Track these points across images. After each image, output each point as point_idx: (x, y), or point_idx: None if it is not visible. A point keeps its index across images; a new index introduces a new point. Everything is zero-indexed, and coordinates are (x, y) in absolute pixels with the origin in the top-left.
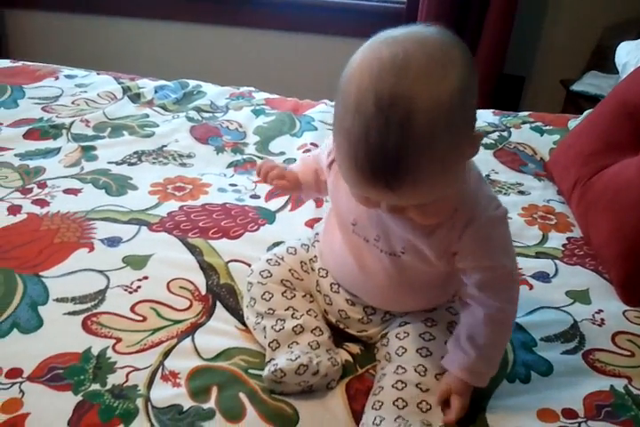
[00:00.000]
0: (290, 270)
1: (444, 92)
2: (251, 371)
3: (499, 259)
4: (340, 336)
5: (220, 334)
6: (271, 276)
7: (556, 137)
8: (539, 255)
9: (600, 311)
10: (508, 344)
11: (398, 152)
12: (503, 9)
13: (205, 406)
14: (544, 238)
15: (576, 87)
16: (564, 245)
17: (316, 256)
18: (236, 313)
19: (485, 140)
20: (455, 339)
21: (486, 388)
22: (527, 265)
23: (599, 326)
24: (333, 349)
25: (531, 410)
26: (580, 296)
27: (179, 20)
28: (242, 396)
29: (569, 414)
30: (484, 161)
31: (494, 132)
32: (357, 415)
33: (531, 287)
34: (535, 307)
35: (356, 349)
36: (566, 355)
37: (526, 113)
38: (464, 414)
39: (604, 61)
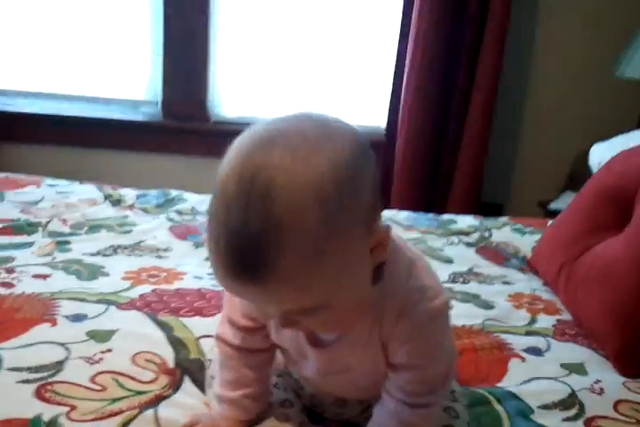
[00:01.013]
0: None
1: (311, 170)
2: None
3: (432, 357)
4: (314, 422)
5: (185, 407)
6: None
7: (537, 236)
8: (529, 333)
9: (598, 382)
10: (502, 412)
11: (256, 238)
12: (476, 143)
13: None
14: (533, 320)
15: (554, 205)
16: (553, 326)
17: None
18: (206, 388)
19: (467, 240)
20: None
21: None
22: (518, 342)
23: (599, 394)
24: (305, 421)
25: None
26: (576, 368)
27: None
28: None
29: None
30: (466, 258)
31: (475, 232)
32: None
33: (523, 360)
34: (529, 377)
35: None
36: (567, 422)
37: (506, 218)
38: None
39: (579, 184)
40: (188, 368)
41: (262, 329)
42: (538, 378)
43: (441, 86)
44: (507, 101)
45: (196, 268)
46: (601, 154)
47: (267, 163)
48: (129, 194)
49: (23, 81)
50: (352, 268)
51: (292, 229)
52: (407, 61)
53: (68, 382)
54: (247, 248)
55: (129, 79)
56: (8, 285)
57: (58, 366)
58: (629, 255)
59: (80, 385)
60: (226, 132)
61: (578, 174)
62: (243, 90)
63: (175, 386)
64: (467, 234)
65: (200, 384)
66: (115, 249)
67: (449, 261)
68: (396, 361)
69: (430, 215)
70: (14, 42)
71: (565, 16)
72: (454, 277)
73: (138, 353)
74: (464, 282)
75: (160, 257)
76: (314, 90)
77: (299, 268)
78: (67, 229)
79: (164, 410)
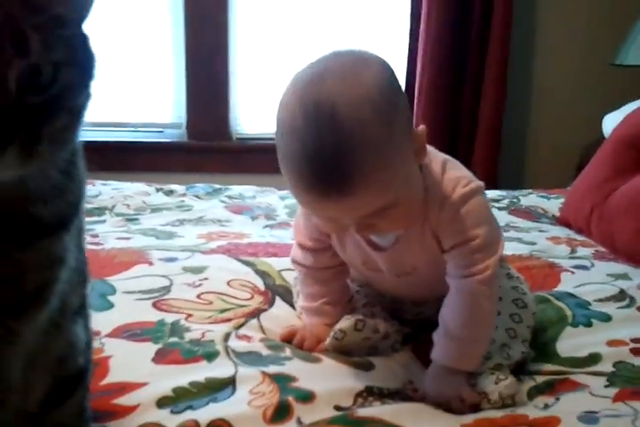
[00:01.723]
0: None
1: (361, 89)
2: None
3: (472, 231)
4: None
5: (281, 319)
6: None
7: (562, 200)
8: (573, 258)
9: None
10: (564, 306)
11: (336, 153)
12: (488, 150)
13: (282, 354)
14: (573, 251)
15: None
16: (592, 254)
17: None
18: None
19: (498, 205)
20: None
21: (551, 333)
22: (565, 263)
23: None
24: (389, 318)
25: (600, 342)
26: (621, 276)
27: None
28: (315, 354)
29: (637, 340)
30: (500, 218)
31: (504, 199)
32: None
33: (573, 273)
34: (581, 283)
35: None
36: (621, 309)
37: (529, 189)
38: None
39: None
40: (277, 291)
41: (328, 249)
42: (589, 283)
43: (452, 80)
44: (516, 93)
45: (259, 230)
46: (614, 120)
47: (323, 92)
48: (178, 188)
49: None
50: (410, 167)
51: (363, 138)
52: (419, 59)
53: (178, 299)
54: (329, 165)
55: (153, 103)
56: (97, 244)
57: (165, 289)
58: None
59: (190, 300)
60: (248, 149)
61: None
62: (263, 106)
63: (269, 303)
64: (497, 201)
65: (290, 303)
66: (181, 222)
67: None
68: (448, 246)
69: None
70: None
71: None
72: None
73: (231, 280)
74: (504, 231)
75: (223, 226)
76: None
77: (375, 172)
78: (132, 211)
79: (265, 321)
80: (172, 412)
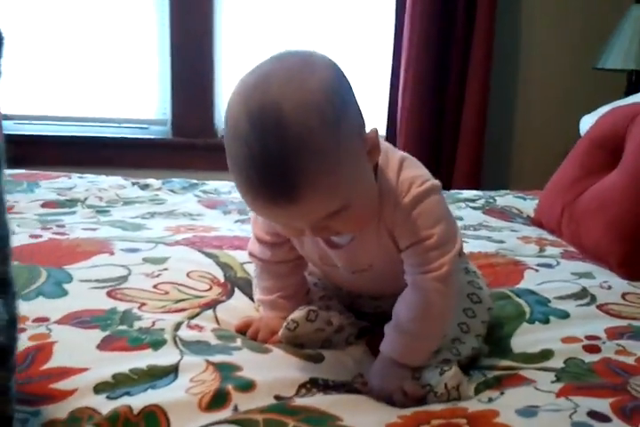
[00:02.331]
0: None
1: (307, 93)
2: None
3: (426, 231)
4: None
5: (238, 311)
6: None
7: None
8: (540, 257)
9: (606, 282)
10: (523, 302)
11: (281, 158)
12: (472, 148)
13: (232, 344)
14: (541, 250)
15: None
16: (560, 253)
17: None
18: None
19: (473, 205)
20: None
21: (507, 329)
22: (530, 261)
23: (607, 289)
24: (345, 311)
25: (554, 338)
26: (585, 275)
27: None
28: (267, 345)
29: (592, 338)
30: (474, 217)
31: (480, 199)
32: None
33: (537, 271)
34: (543, 281)
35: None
36: (581, 307)
37: (506, 190)
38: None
39: None
40: (237, 283)
41: (285, 244)
42: (551, 281)
43: (436, 78)
44: (500, 93)
45: (229, 224)
46: (589, 122)
47: (268, 96)
48: (154, 182)
49: (35, 105)
50: (360, 169)
51: (309, 144)
52: (403, 57)
53: (134, 289)
54: (276, 172)
55: (139, 100)
56: (62, 233)
57: (122, 279)
58: (623, 182)
59: (145, 290)
60: None
61: None
62: None
63: (228, 295)
64: (473, 201)
65: (249, 295)
66: (152, 215)
67: (459, 218)
68: (404, 245)
69: None
70: (25, 67)
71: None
72: (465, 228)
73: (191, 271)
74: (475, 230)
75: (194, 219)
76: None
77: (322, 178)
78: (103, 204)
79: (221, 312)
80: (109, 398)
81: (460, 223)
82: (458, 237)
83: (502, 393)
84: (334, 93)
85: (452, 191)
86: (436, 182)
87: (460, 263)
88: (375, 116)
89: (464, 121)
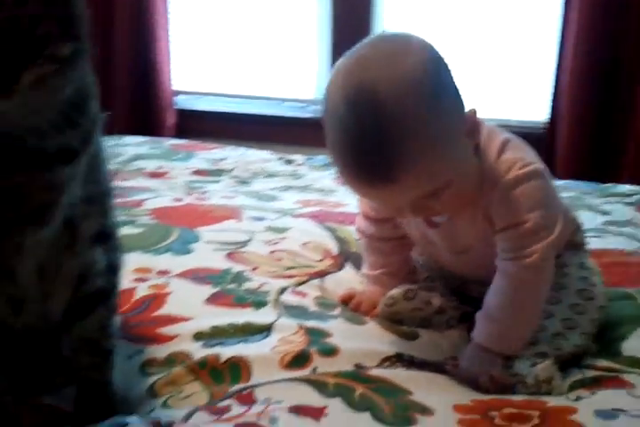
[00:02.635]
0: None
1: (402, 74)
2: None
3: (523, 215)
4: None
5: (345, 283)
6: None
7: None
8: None
9: None
10: None
11: (377, 139)
12: None
13: (330, 313)
14: None
15: None
16: None
17: None
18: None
19: (627, 200)
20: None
21: (622, 331)
22: None
23: None
24: (448, 293)
25: None
26: None
27: None
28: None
29: None
30: (624, 213)
31: (636, 195)
32: None
33: None
34: None
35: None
36: None
37: None
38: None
39: None
40: (350, 257)
41: (390, 220)
42: None
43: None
44: None
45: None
46: None
47: (364, 79)
48: (298, 158)
49: (206, 83)
50: (458, 149)
51: (404, 126)
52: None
53: (251, 253)
54: (371, 152)
55: (300, 80)
56: (201, 199)
57: (243, 243)
58: None
59: (261, 255)
60: None
61: None
62: None
63: (338, 267)
64: (628, 196)
65: (359, 270)
66: (287, 188)
67: (606, 213)
68: (499, 227)
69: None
70: (196, 46)
71: None
72: (608, 224)
73: (307, 242)
74: (619, 227)
75: (326, 195)
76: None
77: (419, 158)
78: (247, 175)
79: (328, 282)
80: (204, 346)
81: (603, 219)
82: (557, 227)
83: (593, 393)
84: (430, 75)
85: (607, 185)
86: (540, 167)
87: (577, 257)
88: (537, 102)
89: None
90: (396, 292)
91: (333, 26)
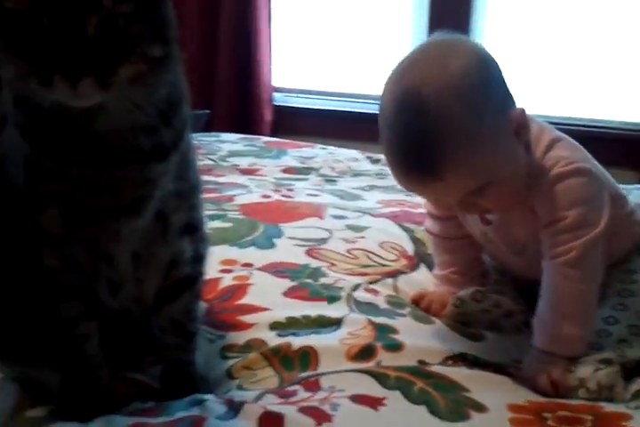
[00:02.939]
0: None
1: (447, 77)
2: None
3: (563, 211)
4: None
5: (420, 284)
6: None
7: None
8: None
9: None
10: None
11: (421, 138)
12: None
13: (399, 311)
14: None
15: None
16: None
17: None
18: None
19: None
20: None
21: None
22: None
23: None
24: (518, 297)
25: None
26: None
27: None
28: (432, 317)
29: None
30: None
31: None
32: None
33: None
34: None
35: None
36: None
37: None
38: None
39: None
40: (425, 258)
41: (453, 219)
42: None
43: None
44: None
45: None
46: None
47: (411, 82)
48: None
49: (305, 80)
50: (504, 148)
51: (447, 126)
52: None
53: (329, 250)
54: (416, 152)
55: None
56: (288, 196)
57: (323, 241)
58: None
59: (339, 253)
60: None
61: None
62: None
63: (412, 268)
64: None
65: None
66: (371, 187)
67: None
68: (542, 224)
69: None
70: (293, 45)
71: None
72: None
73: (384, 242)
74: None
75: (408, 195)
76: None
77: (461, 156)
78: (334, 174)
79: (401, 282)
80: (278, 335)
81: None
82: (600, 226)
83: None
84: (475, 77)
85: None
86: (586, 166)
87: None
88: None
89: None
90: (464, 293)
91: (429, 25)
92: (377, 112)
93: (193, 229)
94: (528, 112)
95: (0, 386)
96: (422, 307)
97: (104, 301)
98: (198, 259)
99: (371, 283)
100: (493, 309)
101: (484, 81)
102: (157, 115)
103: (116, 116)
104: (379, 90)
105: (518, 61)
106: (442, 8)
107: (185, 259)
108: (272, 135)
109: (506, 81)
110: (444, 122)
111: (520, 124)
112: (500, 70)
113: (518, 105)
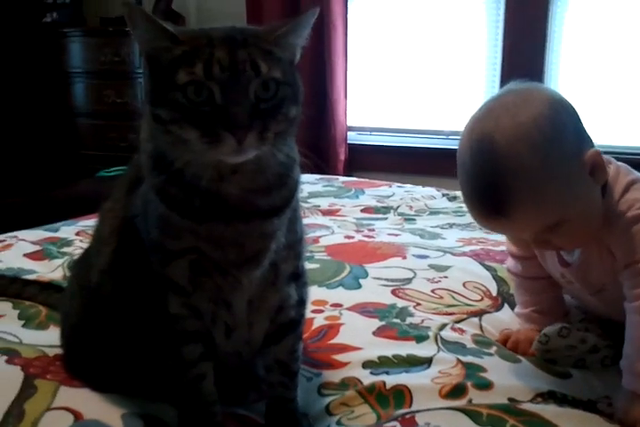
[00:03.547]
0: None
1: (518, 124)
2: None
3: (637, 254)
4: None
5: (504, 323)
6: None
7: None
8: None
9: None
10: None
11: (492, 180)
12: None
13: (486, 350)
14: None
15: None
16: None
17: None
18: None
19: None
20: None
21: None
22: None
23: None
24: (603, 334)
25: None
26: None
27: None
28: (519, 356)
29: None
30: None
31: None
32: None
33: None
34: None
35: None
36: None
37: None
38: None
39: None
40: (508, 298)
41: (534, 258)
42: None
43: None
44: None
45: None
46: None
47: (485, 129)
48: None
49: (374, 119)
50: (575, 189)
51: (515, 171)
52: None
53: (414, 290)
54: (488, 194)
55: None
56: (369, 236)
57: (407, 280)
58: None
59: (423, 293)
60: None
61: None
62: None
63: (496, 307)
64: None
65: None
66: (450, 225)
67: None
68: (620, 265)
69: None
70: (365, 86)
71: None
72: None
73: (468, 281)
74: None
75: (488, 233)
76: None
77: (529, 197)
78: (412, 212)
79: (486, 321)
80: (372, 373)
81: None
82: None
83: None
84: (546, 124)
85: None
86: None
87: None
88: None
89: None
90: (549, 329)
91: (502, 59)
92: (446, 147)
93: (298, 275)
94: (608, 142)
95: (125, 421)
96: (509, 347)
97: (219, 343)
98: (301, 303)
99: (456, 322)
100: (579, 344)
101: (555, 127)
102: (278, 175)
103: (246, 178)
104: (448, 125)
105: (593, 94)
106: (516, 46)
107: (290, 304)
108: (346, 173)
109: (581, 124)
110: (511, 167)
111: (595, 166)
112: (574, 115)
113: (595, 141)
